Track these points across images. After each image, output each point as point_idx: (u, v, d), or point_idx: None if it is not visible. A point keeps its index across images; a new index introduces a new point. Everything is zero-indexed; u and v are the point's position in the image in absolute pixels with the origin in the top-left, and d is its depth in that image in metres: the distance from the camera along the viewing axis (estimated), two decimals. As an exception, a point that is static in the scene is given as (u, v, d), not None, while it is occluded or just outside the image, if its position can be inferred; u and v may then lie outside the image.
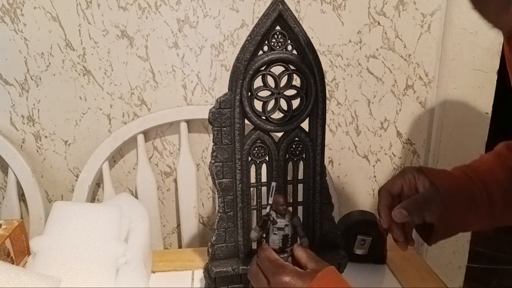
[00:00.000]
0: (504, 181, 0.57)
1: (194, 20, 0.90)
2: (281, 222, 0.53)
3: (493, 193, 0.57)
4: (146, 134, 0.96)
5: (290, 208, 0.59)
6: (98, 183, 0.99)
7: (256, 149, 0.56)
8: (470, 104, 0.99)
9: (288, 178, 0.59)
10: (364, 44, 0.96)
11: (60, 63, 0.90)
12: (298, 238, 0.56)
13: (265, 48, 0.53)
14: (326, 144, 0.58)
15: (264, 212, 0.55)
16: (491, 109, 1.00)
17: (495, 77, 0.97)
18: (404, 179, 0.59)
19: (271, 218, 0.53)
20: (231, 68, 0.54)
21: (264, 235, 0.55)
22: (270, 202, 0.54)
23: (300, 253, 0.53)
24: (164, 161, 1.00)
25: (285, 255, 0.54)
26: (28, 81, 0.91)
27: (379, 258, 0.73)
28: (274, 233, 0.53)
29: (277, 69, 0.54)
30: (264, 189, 0.59)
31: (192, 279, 0.70)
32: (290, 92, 0.55)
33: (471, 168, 0.60)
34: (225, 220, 0.58)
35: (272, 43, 0.52)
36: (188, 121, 0.95)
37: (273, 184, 0.55)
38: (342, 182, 1.06)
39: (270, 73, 0.54)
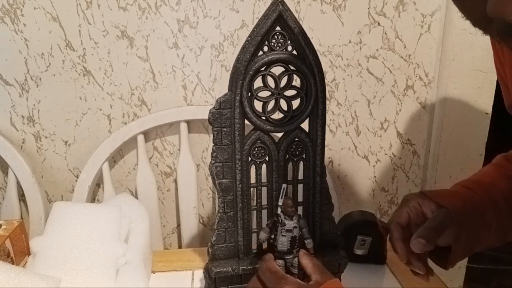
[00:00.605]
0: (507, 192, 0.56)
1: (194, 20, 0.90)
2: (289, 224, 0.53)
3: (499, 204, 0.55)
4: (146, 134, 0.96)
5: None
6: (98, 184, 0.99)
7: (256, 149, 0.56)
8: (470, 104, 0.99)
9: (288, 179, 0.59)
10: (364, 44, 0.96)
11: (60, 64, 0.91)
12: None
13: (265, 48, 0.53)
14: (326, 144, 0.58)
15: (279, 207, 0.55)
16: (491, 109, 1.00)
17: (495, 77, 0.97)
18: (409, 207, 0.57)
19: (280, 220, 0.54)
20: (231, 68, 0.54)
21: (272, 237, 0.55)
22: (280, 203, 0.54)
23: (306, 261, 0.53)
24: (164, 162, 1.00)
25: (291, 256, 0.54)
26: (28, 81, 0.91)
27: (379, 258, 0.73)
28: (283, 235, 0.53)
29: (277, 70, 0.54)
30: (264, 189, 0.59)
31: (192, 279, 0.70)
32: (290, 92, 0.55)
33: (472, 182, 0.59)
34: (225, 220, 0.58)
35: (272, 44, 0.52)
36: (188, 122, 0.95)
37: (284, 186, 0.55)
38: (342, 182, 1.06)
39: (270, 73, 0.54)
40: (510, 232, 0.57)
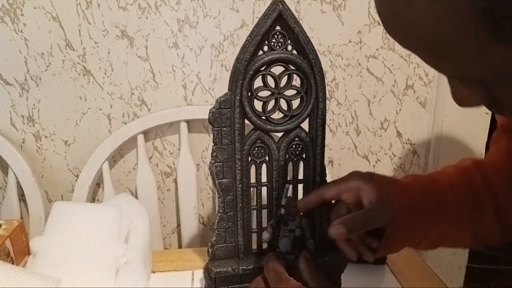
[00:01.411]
0: (464, 200, 0.52)
1: (194, 20, 0.90)
2: (292, 224, 0.53)
3: (448, 211, 0.51)
4: (146, 134, 0.96)
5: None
6: (98, 183, 0.99)
7: (256, 149, 0.56)
8: (470, 104, 0.99)
9: (288, 178, 0.59)
10: (364, 44, 0.96)
11: (60, 63, 0.90)
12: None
13: (265, 48, 0.53)
14: (326, 144, 0.58)
15: (282, 210, 0.55)
16: (491, 109, 1.00)
17: (495, 77, 0.97)
18: (345, 186, 0.54)
19: (283, 220, 0.54)
20: (231, 68, 0.54)
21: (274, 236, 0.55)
22: (283, 203, 0.54)
23: (303, 266, 0.52)
24: (164, 161, 1.00)
25: (293, 256, 0.54)
26: (28, 81, 0.91)
27: (379, 258, 0.72)
28: (285, 235, 0.53)
29: (277, 69, 0.54)
30: (264, 189, 0.59)
31: (192, 279, 0.70)
32: (290, 92, 0.55)
33: (430, 179, 0.54)
34: (225, 220, 0.58)
35: (272, 43, 0.52)
36: (188, 121, 0.95)
37: (287, 186, 0.55)
38: (342, 182, 1.06)
39: (270, 73, 0.54)
40: (448, 242, 0.53)
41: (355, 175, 0.54)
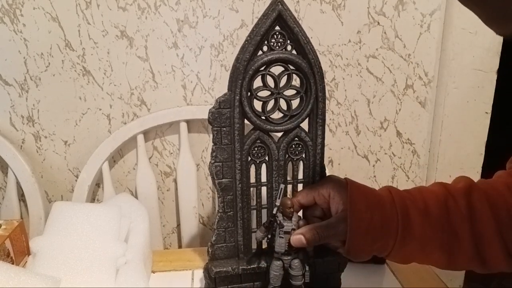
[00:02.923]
0: (436, 225, 0.50)
1: (193, 20, 0.90)
2: (287, 226, 0.52)
3: (415, 233, 0.50)
4: (146, 134, 0.96)
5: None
6: (98, 183, 0.99)
7: (256, 149, 0.56)
8: (470, 104, 0.99)
9: (288, 178, 0.59)
10: (364, 44, 0.96)
11: (60, 64, 0.90)
12: None
13: (265, 48, 0.53)
14: (326, 144, 0.58)
15: (275, 210, 0.54)
16: (491, 109, 1.00)
17: (495, 77, 0.97)
18: (318, 193, 0.54)
19: (278, 221, 0.53)
20: (230, 68, 0.54)
21: (269, 236, 0.55)
22: (277, 203, 0.53)
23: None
24: (164, 161, 1.00)
25: (289, 257, 0.54)
26: (28, 81, 0.91)
27: (379, 258, 0.72)
28: (281, 237, 0.53)
29: (277, 69, 0.54)
30: (264, 189, 0.59)
31: (192, 279, 0.70)
32: (290, 92, 0.56)
33: (407, 197, 0.52)
34: (225, 220, 0.58)
35: (272, 43, 0.52)
36: (188, 121, 0.95)
37: (282, 186, 0.54)
38: (342, 182, 1.06)
39: (269, 73, 0.54)
40: (416, 259, 0.53)
41: (329, 182, 0.55)
